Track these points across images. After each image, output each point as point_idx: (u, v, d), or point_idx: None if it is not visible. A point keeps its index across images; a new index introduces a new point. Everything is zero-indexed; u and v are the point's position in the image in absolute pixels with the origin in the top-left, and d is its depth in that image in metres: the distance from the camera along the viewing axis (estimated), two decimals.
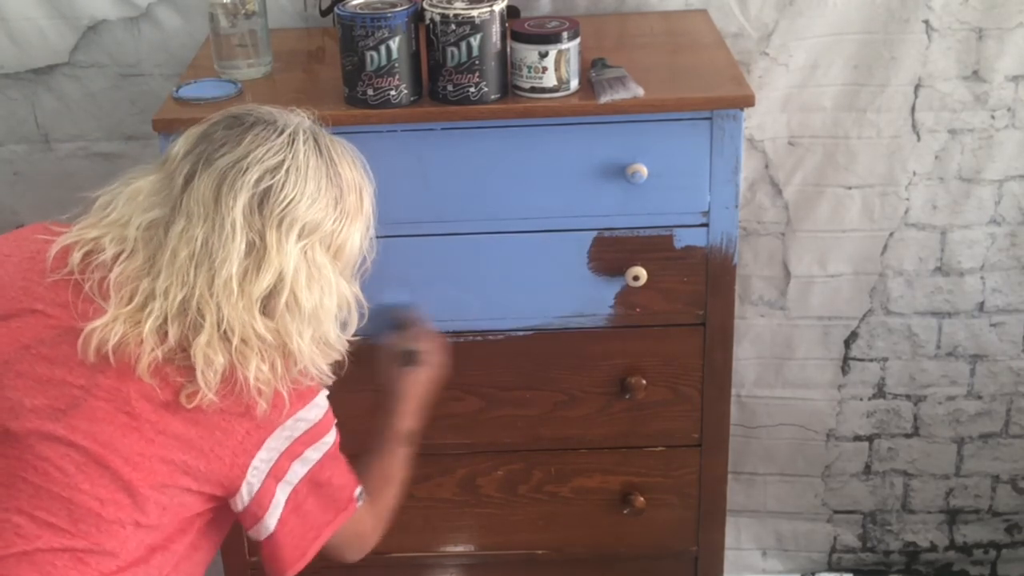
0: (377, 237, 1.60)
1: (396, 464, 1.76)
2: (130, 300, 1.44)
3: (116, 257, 1.46)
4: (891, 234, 2.34)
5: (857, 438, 2.53)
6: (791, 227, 2.34)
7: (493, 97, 1.78)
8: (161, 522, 1.47)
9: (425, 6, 1.75)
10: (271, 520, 1.53)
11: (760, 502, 2.59)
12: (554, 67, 1.76)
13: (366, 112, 1.77)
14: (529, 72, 1.77)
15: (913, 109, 2.24)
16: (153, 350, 1.43)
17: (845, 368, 2.46)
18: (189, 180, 1.46)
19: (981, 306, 2.40)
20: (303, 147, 1.49)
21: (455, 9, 1.73)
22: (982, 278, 2.38)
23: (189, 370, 1.44)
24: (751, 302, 2.40)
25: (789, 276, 2.38)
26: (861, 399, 2.50)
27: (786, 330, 2.42)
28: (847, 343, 2.44)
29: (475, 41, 1.73)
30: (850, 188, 2.30)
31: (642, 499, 2.06)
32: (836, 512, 2.61)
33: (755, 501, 2.59)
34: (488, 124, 1.79)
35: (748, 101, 1.78)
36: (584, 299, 1.92)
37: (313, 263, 1.48)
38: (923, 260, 2.36)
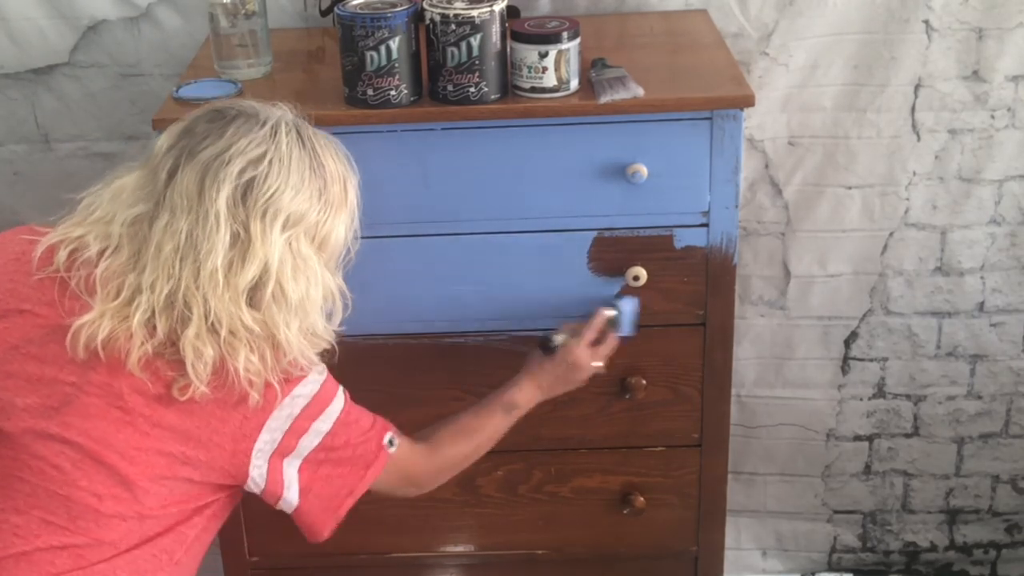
0: (377, 237, 1.60)
1: (484, 423, 1.77)
2: (117, 295, 1.44)
3: (101, 253, 1.46)
4: (891, 234, 2.34)
5: (857, 438, 2.53)
6: (791, 227, 2.33)
7: (493, 97, 1.77)
8: (166, 512, 1.47)
9: (425, 6, 1.75)
10: (291, 496, 1.54)
11: (760, 502, 2.59)
12: (554, 67, 1.76)
13: (366, 112, 1.77)
14: (529, 72, 1.77)
15: (913, 109, 2.23)
16: (143, 344, 1.43)
17: (845, 368, 2.46)
18: (172, 174, 1.46)
19: (981, 306, 2.40)
20: (285, 138, 1.48)
21: (455, 9, 1.72)
22: (982, 278, 2.38)
23: (179, 363, 1.44)
24: (751, 302, 2.40)
25: (789, 276, 2.38)
26: (861, 399, 2.49)
27: (786, 330, 2.42)
28: (847, 343, 2.44)
29: (475, 41, 1.73)
30: (850, 188, 2.29)
31: (642, 499, 2.06)
32: (836, 512, 2.61)
33: (755, 501, 2.59)
34: (488, 124, 1.79)
35: (748, 101, 1.78)
36: (584, 299, 1.92)
37: (298, 254, 1.48)
38: (923, 260, 2.36)
